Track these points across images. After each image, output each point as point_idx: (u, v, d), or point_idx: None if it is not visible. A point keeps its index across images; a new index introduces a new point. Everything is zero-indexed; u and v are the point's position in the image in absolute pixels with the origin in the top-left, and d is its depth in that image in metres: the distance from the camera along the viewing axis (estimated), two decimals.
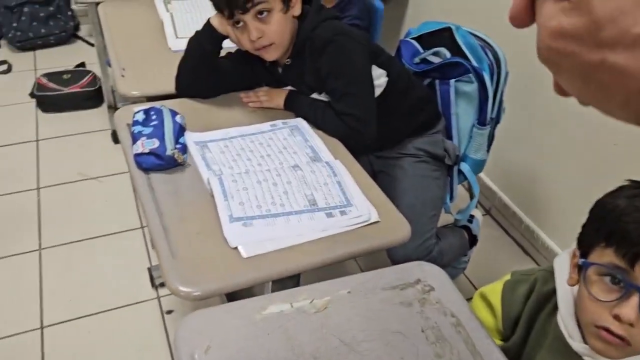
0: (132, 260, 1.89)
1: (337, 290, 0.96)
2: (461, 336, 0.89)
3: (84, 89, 2.58)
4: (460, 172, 1.58)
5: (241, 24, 1.30)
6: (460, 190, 1.75)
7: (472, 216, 1.73)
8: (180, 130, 1.29)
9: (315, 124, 1.37)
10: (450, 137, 1.54)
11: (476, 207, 1.71)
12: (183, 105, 1.41)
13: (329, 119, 1.34)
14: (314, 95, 1.41)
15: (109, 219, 2.04)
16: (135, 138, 1.25)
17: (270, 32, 1.29)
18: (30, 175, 2.21)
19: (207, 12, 1.87)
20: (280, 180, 1.16)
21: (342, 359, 0.85)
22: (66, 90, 2.55)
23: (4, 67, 2.87)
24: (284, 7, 1.29)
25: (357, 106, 1.32)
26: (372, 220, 1.11)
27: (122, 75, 1.54)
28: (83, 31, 3.24)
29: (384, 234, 1.10)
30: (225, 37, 1.38)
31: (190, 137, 1.30)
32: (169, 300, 1.76)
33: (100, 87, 2.61)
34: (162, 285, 1.79)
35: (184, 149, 1.25)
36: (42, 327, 1.65)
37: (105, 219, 2.04)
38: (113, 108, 2.50)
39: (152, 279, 1.78)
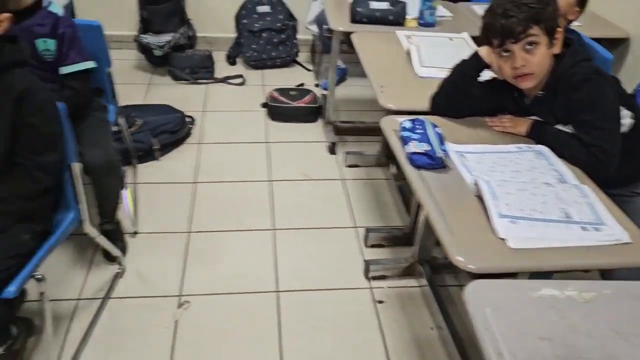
0: (346, 252, 2.16)
1: (601, 289, 1.10)
2: None
3: (307, 105, 2.99)
4: None
5: (508, 53, 1.51)
6: None
7: None
8: (441, 140, 1.53)
9: (559, 151, 1.51)
10: None
11: None
12: (436, 121, 1.65)
13: (574, 148, 1.49)
14: (559, 127, 1.57)
15: (326, 214, 2.35)
16: (405, 141, 1.51)
17: (533, 63, 1.49)
18: (262, 169, 2.62)
19: (446, 48, 2.15)
20: (537, 192, 1.33)
21: (614, 343, 0.98)
22: (293, 104, 2.98)
23: (241, 80, 3.42)
24: (549, 43, 1.49)
25: (606, 140, 1.45)
26: (624, 241, 1.23)
27: (382, 91, 1.84)
28: (301, 57, 3.73)
29: (635, 254, 1.22)
30: (487, 66, 1.61)
31: (450, 147, 1.53)
32: (380, 292, 1.99)
33: (319, 105, 3.01)
34: (375, 277, 2.03)
35: (447, 155, 1.48)
36: (277, 291, 1.96)
37: (322, 214, 2.36)
38: (330, 124, 2.87)
39: (367, 271, 2.03)
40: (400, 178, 2.58)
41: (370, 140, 2.86)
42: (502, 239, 1.21)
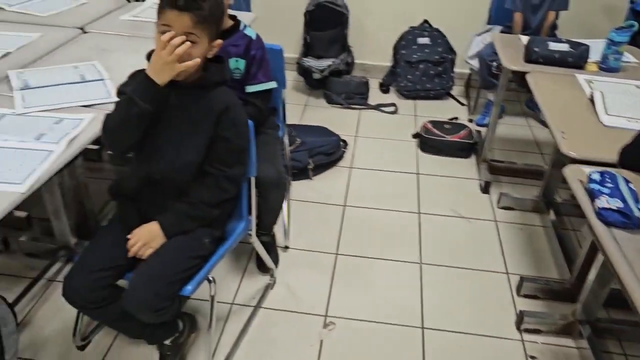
0: (496, 298, 2.06)
1: None
2: None
3: (462, 140, 2.93)
4: None
5: None
6: None
7: None
8: (636, 198, 1.40)
9: None
10: None
11: None
12: (627, 176, 1.52)
13: None
14: None
15: (476, 255, 2.27)
16: (594, 194, 1.41)
17: None
18: (411, 200, 2.60)
19: (634, 97, 1.99)
20: None
21: None
22: (447, 138, 2.94)
23: (393, 108, 3.45)
24: None
25: None
26: None
27: (563, 137, 1.74)
28: (455, 91, 3.67)
29: None
30: None
31: None
32: (533, 346, 1.86)
33: (475, 142, 2.94)
34: (529, 330, 1.91)
35: None
36: (422, 327, 1.92)
37: (472, 254, 2.28)
38: (485, 162, 2.78)
39: (520, 322, 1.91)
40: (560, 226, 2.42)
41: (526, 183, 2.73)
42: None
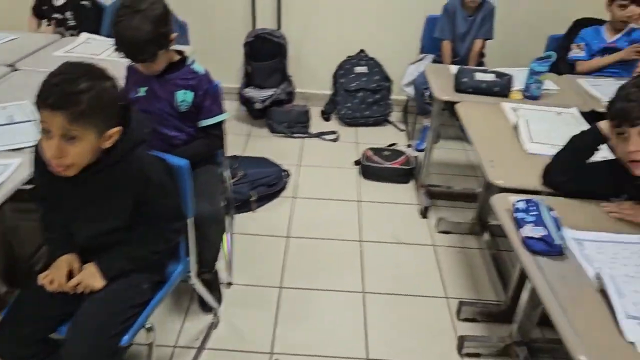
0: (438, 323, 2.11)
1: None
2: None
3: (401, 167, 3.01)
4: None
5: (624, 135, 1.48)
6: None
7: None
8: (557, 224, 1.48)
9: None
10: None
11: None
12: (550, 202, 1.61)
13: None
14: None
15: (416, 281, 2.32)
16: (520, 223, 1.48)
17: None
18: (353, 228, 2.64)
19: (555, 123, 2.11)
20: None
21: None
22: (387, 164, 3.01)
23: (334, 136, 3.51)
24: None
25: None
26: None
27: (492, 167, 1.82)
28: (393, 117, 3.78)
29: None
30: (605, 141, 1.57)
31: (567, 233, 1.48)
32: None
33: (412, 167, 3.02)
34: (470, 355, 1.96)
35: (564, 242, 1.43)
36: (368, 359, 1.94)
37: (413, 280, 2.32)
38: (423, 187, 2.86)
39: (461, 347, 1.96)
40: (494, 247, 2.51)
41: (462, 206, 2.82)
42: (631, 343, 1.15)
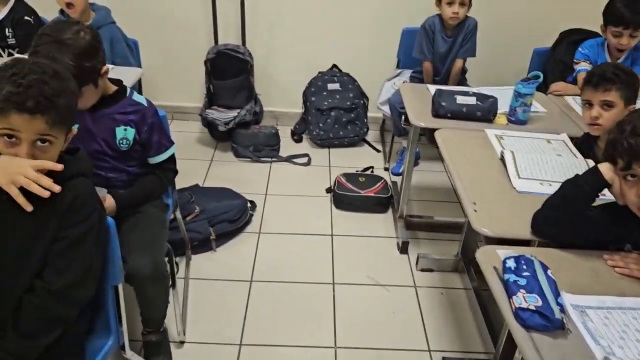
0: None
1: None
2: None
3: (377, 195, 2.75)
4: None
5: (634, 178, 1.25)
6: None
7: None
8: (555, 288, 1.23)
9: None
10: None
11: None
12: (543, 256, 1.36)
13: None
14: None
15: (395, 332, 2.06)
16: (511, 289, 1.22)
17: None
18: (326, 268, 2.37)
19: (545, 154, 1.88)
20: None
21: None
22: (362, 193, 2.75)
23: (306, 159, 3.24)
24: None
25: None
26: None
27: (475, 210, 1.57)
28: (370, 136, 3.53)
29: None
30: (608, 186, 1.33)
31: (566, 299, 1.23)
32: None
33: (391, 195, 2.77)
34: None
35: (563, 311, 1.18)
36: None
37: (391, 331, 2.06)
38: (402, 218, 2.61)
39: None
40: (480, 286, 2.26)
41: (445, 238, 2.58)
42: None
